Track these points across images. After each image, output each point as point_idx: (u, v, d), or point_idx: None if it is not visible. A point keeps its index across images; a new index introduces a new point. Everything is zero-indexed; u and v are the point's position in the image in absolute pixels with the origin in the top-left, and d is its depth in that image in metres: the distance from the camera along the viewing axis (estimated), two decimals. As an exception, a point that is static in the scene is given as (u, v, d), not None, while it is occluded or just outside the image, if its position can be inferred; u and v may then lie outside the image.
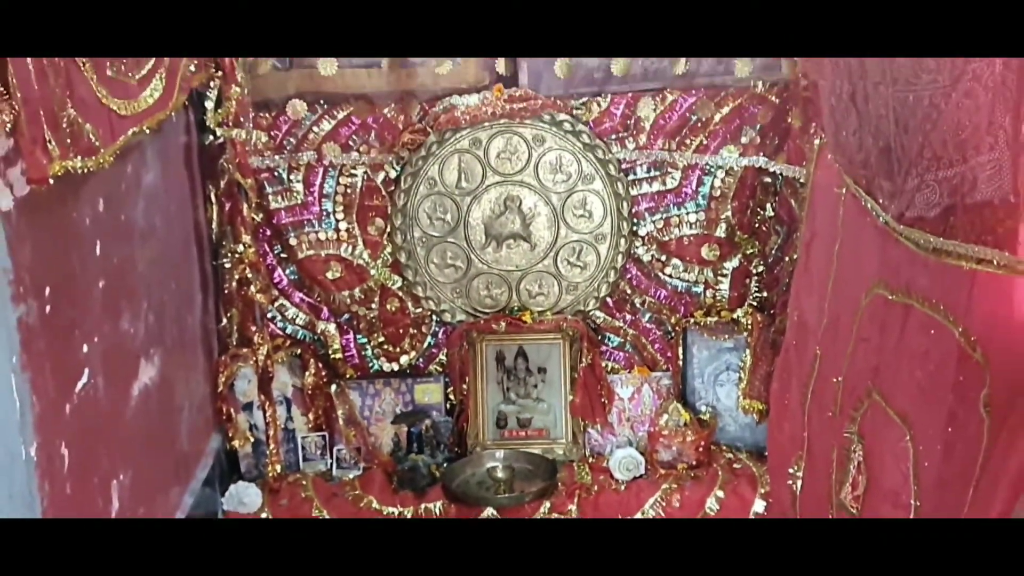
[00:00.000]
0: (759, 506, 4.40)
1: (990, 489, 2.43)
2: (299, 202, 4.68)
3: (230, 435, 4.59)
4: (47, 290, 2.77)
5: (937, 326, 2.75)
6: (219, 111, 4.30)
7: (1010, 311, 2.48)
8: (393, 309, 4.83)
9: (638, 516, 4.40)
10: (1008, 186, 2.54)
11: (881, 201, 3.04)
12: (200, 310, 4.46)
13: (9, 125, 2.31)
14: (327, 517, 4.43)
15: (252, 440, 4.64)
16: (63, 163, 2.60)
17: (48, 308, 2.77)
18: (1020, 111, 2.48)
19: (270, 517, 4.45)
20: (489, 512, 4.40)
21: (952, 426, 2.67)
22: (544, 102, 4.54)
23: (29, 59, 2.44)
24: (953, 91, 2.53)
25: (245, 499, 4.50)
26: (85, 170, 2.74)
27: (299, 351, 4.75)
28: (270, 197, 4.64)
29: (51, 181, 2.54)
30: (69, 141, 2.63)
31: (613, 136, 4.63)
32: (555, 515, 4.40)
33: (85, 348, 3.07)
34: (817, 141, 3.95)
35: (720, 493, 4.46)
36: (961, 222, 2.66)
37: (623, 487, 4.55)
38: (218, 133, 4.32)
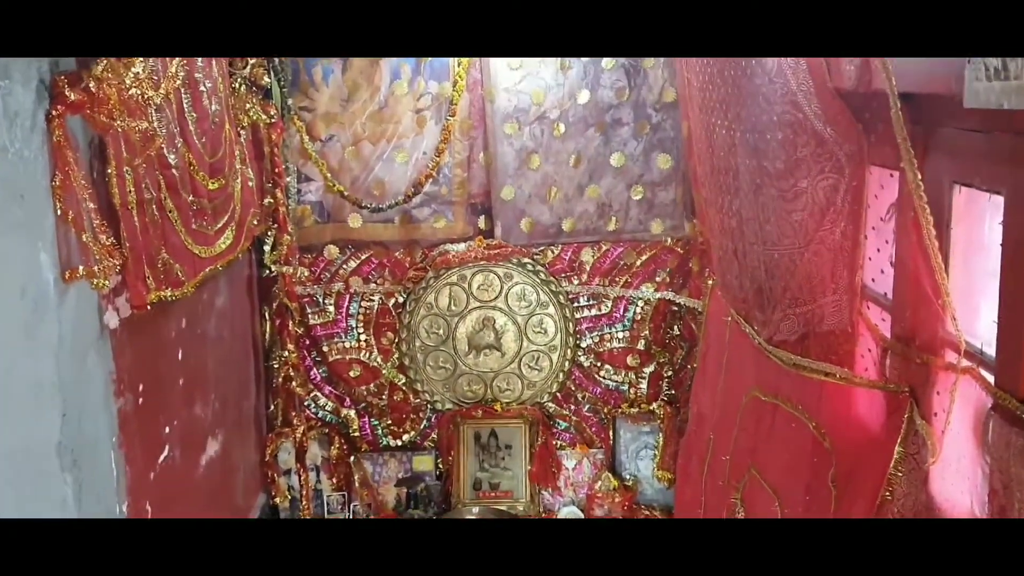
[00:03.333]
0: (669, 552, 4.33)
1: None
2: (331, 319, 4.66)
3: (273, 494, 4.50)
4: (140, 386, 2.75)
5: (797, 421, 2.77)
6: (274, 252, 4.34)
7: (849, 411, 2.51)
8: (398, 399, 4.78)
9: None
10: (846, 320, 2.59)
11: (756, 327, 3.08)
12: (254, 399, 4.41)
13: (119, 267, 2.33)
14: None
15: (290, 497, 4.55)
16: (158, 293, 2.62)
17: (140, 400, 2.75)
18: (853, 266, 2.55)
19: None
20: (467, 554, 4.32)
21: (808, 495, 2.67)
22: (513, 249, 4.57)
23: (135, 216, 2.46)
24: (806, 251, 2.59)
25: (283, 543, 4.40)
26: (173, 298, 2.76)
27: (327, 430, 4.69)
28: (310, 316, 4.63)
29: (148, 306, 2.56)
30: (163, 277, 2.65)
31: (563, 275, 4.65)
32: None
33: (167, 429, 3.04)
34: (710, 282, 4.00)
35: (640, 541, 4.39)
36: (813, 345, 2.70)
37: (568, 536, 4.47)
38: (272, 269, 4.36)
